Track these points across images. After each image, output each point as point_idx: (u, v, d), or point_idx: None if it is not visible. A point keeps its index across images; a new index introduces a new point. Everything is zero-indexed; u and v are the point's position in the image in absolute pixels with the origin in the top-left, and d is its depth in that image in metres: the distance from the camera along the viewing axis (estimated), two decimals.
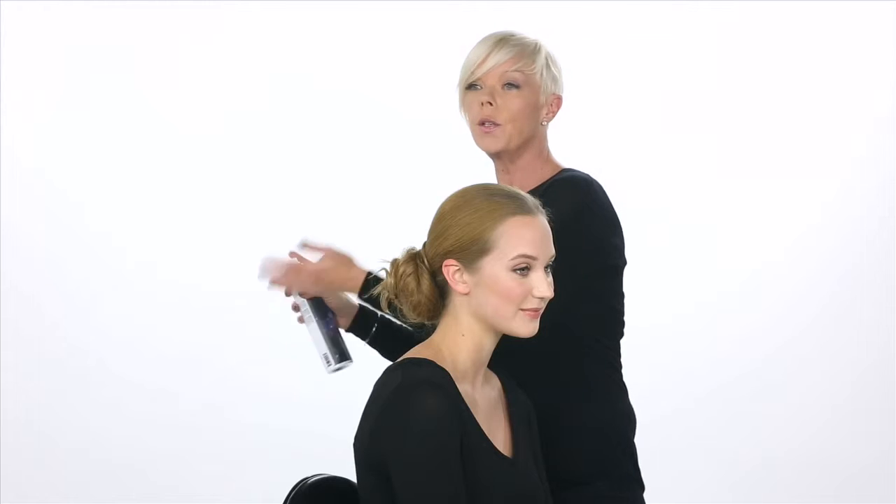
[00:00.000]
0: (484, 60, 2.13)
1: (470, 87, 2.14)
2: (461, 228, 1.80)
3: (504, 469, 1.80)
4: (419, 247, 1.87)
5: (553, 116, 2.17)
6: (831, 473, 3.90)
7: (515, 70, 2.12)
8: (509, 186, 1.86)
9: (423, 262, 1.83)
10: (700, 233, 3.91)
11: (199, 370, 3.84)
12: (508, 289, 1.79)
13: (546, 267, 1.82)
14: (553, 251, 1.83)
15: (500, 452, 1.81)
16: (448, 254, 1.81)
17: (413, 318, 1.85)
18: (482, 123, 2.13)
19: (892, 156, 3.95)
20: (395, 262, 1.86)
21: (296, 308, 2.16)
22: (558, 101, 2.17)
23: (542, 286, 1.80)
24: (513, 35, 2.16)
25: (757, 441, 3.93)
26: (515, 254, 1.78)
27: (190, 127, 3.85)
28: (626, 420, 2.13)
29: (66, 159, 3.83)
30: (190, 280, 3.84)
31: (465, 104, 2.17)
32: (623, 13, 3.93)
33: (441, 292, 1.84)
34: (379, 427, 1.74)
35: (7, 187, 3.80)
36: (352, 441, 1.82)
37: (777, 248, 3.96)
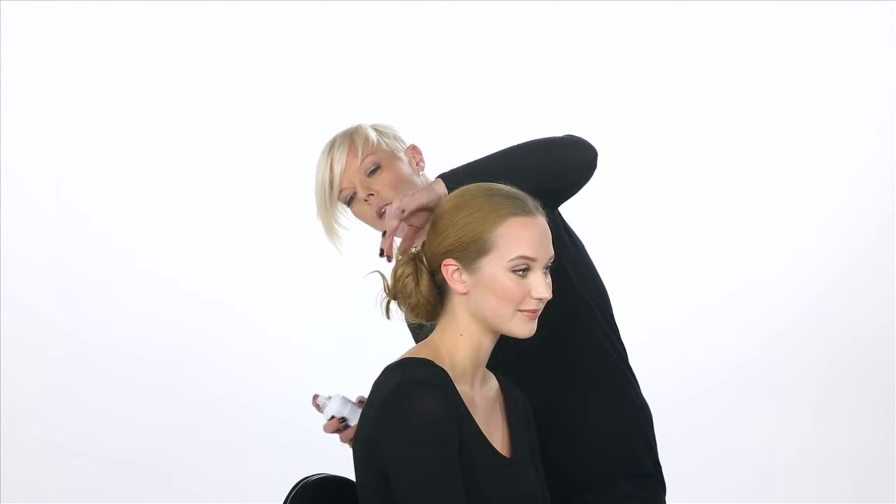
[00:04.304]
0: (332, 172, 2.17)
1: (349, 201, 2.19)
2: (461, 228, 1.80)
3: (502, 469, 1.80)
4: (419, 249, 1.87)
5: (423, 164, 2.24)
6: (831, 474, 3.90)
7: (363, 156, 2.17)
8: (509, 187, 1.85)
9: (422, 262, 1.83)
10: (700, 234, 3.91)
11: (198, 370, 3.84)
12: (507, 289, 1.78)
13: (545, 268, 1.82)
14: (552, 252, 1.82)
15: (498, 453, 1.82)
16: (447, 253, 1.81)
17: (412, 319, 1.85)
18: (381, 214, 2.16)
19: (893, 157, 3.95)
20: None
21: (316, 407, 2.12)
22: (415, 149, 2.25)
23: (540, 287, 1.80)
24: (334, 139, 2.21)
25: (756, 441, 3.93)
26: (515, 255, 1.78)
27: (190, 127, 3.85)
28: (642, 414, 2.13)
29: (65, 159, 3.83)
30: (190, 279, 3.85)
31: (358, 215, 2.21)
32: (624, 13, 3.93)
33: (440, 292, 1.84)
34: (378, 427, 1.74)
35: (6, 187, 3.80)
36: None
37: (777, 248, 3.95)
